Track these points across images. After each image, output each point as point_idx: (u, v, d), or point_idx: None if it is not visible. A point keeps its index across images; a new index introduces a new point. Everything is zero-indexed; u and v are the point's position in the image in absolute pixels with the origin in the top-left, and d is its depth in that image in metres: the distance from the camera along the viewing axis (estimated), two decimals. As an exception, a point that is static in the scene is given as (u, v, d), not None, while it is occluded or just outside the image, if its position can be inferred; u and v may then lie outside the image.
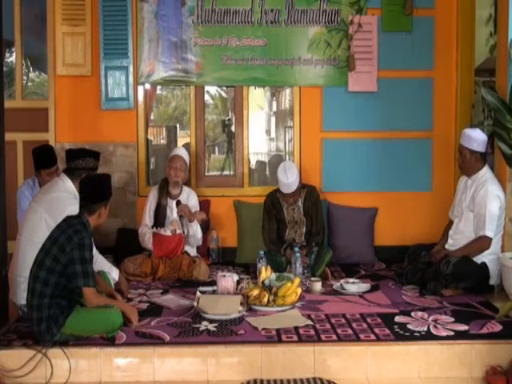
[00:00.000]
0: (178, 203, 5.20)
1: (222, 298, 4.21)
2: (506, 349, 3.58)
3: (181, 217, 5.18)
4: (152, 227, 5.21)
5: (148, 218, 5.30)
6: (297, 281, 4.33)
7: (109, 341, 3.61)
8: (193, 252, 5.33)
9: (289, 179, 5.05)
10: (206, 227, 5.35)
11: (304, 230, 5.29)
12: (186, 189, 5.41)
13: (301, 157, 5.95)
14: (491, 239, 4.48)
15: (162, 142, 9.96)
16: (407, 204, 5.91)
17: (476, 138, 4.59)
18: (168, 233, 5.11)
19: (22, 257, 4.04)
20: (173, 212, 5.25)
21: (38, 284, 3.54)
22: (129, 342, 3.62)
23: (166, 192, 5.29)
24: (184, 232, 5.17)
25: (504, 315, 3.95)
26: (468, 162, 4.65)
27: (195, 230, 5.21)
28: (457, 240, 4.69)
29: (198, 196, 5.54)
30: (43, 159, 4.91)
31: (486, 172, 4.62)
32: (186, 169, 5.35)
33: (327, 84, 5.87)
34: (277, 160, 7.82)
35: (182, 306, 4.27)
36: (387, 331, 3.76)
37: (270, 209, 5.31)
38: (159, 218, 5.24)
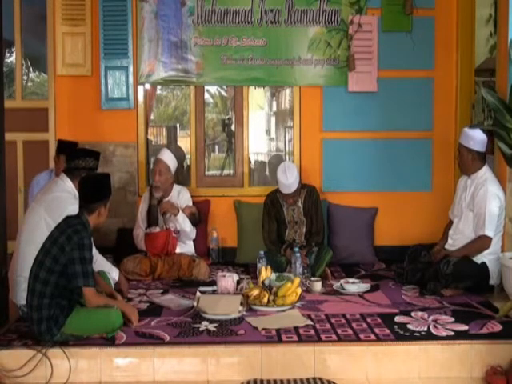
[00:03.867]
0: (159, 201, 5.22)
1: (222, 298, 4.21)
2: (506, 349, 3.58)
3: (164, 214, 5.19)
4: (146, 229, 5.23)
5: (141, 220, 5.34)
6: (297, 281, 4.33)
7: (109, 341, 3.61)
8: (191, 252, 5.33)
9: (288, 180, 5.05)
10: (195, 220, 5.34)
11: (304, 230, 5.29)
12: (176, 187, 5.42)
13: (301, 157, 5.95)
14: (491, 239, 4.48)
15: (161, 141, 9.96)
16: (407, 204, 5.91)
17: (473, 137, 4.60)
18: (157, 229, 5.16)
19: (21, 257, 4.03)
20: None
21: (38, 284, 3.54)
22: (129, 342, 3.63)
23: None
24: (172, 227, 5.17)
25: (504, 315, 3.95)
26: (465, 161, 4.66)
27: (182, 223, 5.17)
28: (457, 240, 4.69)
29: (197, 196, 5.54)
30: (67, 146, 4.86)
31: (485, 172, 4.62)
32: (169, 173, 5.29)
33: (327, 84, 5.87)
34: (277, 160, 7.81)
35: (182, 305, 4.27)
36: (387, 331, 3.77)
37: (270, 209, 5.31)
38: (151, 219, 5.27)
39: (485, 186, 4.53)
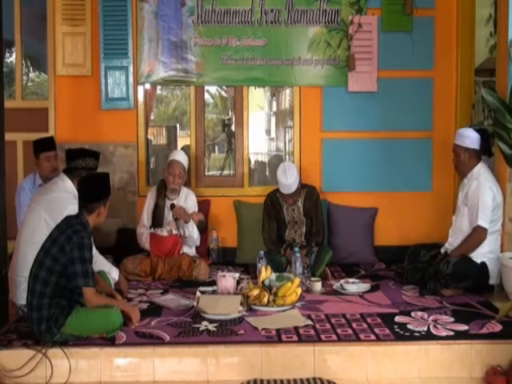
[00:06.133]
0: (172, 206, 5.19)
1: (222, 298, 4.21)
2: (506, 349, 3.58)
3: (176, 219, 5.17)
4: (150, 228, 5.21)
5: (146, 218, 5.32)
6: (297, 281, 4.33)
7: (109, 341, 3.61)
8: (192, 252, 5.33)
9: (288, 180, 5.04)
10: (202, 228, 5.35)
11: (304, 230, 5.29)
12: (184, 189, 5.41)
13: (301, 157, 5.95)
14: (486, 230, 4.47)
15: (162, 141, 9.97)
16: (407, 204, 5.91)
17: (468, 136, 4.64)
18: (164, 233, 5.13)
19: (21, 257, 4.03)
20: (170, 213, 5.25)
21: (38, 284, 3.54)
22: (129, 341, 3.62)
23: (163, 193, 5.29)
24: (180, 233, 5.17)
25: (504, 315, 3.94)
26: (462, 161, 4.68)
27: (191, 230, 5.19)
28: (456, 239, 4.68)
29: (197, 196, 5.55)
30: (43, 143, 4.95)
31: (480, 167, 4.64)
32: (185, 174, 5.34)
33: (327, 84, 5.87)
34: (277, 160, 7.81)
35: (182, 305, 4.27)
36: (387, 331, 3.76)
37: (270, 209, 5.31)
38: (157, 219, 5.25)
39: (478, 180, 4.56)
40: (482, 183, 4.52)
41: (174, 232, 5.14)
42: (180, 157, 5.36)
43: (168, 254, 5.12)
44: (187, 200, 5.35)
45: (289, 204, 5.23)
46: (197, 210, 5.38)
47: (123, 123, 5.87)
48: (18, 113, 5.86)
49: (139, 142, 5.93)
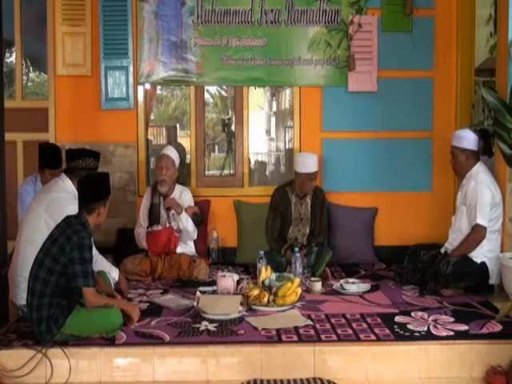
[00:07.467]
0: (165, 198, 5.25)
1: (222, 298, 4.21)
2: (506, 349, 3.58)
3: (168, 209, 5.21)
4: (148, 228, 5.23)
5: (142, 218, 5.35)
6: (297, 281, 4.33)
7: (109, 341, 3.61)
8: (192, 252, 5.34)
9: (309, 159, 5.18)
10: (197, 220, 5.36)
11: (308, 230, 5.29)
12: (178, 186, 5.44)
13: (301, 157, 5.94)
14: (485, 228, 4.47)
15: (162, 141, 9.97)
16: (407, 204, 5.91)
17: (466, 137, 4.65)
18: (159, 227, 5.17)
19: (21, 257, 4.03)
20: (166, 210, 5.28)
21: (38, 284, 3.54)
22: (129, 342, 3.62)
23: (158, 191, 5.31)
24: (174, 226, 5.18)
25: (504, 315, 3.94)
26: (460, 162, 4.68)
27: (185, 223, 5.20)
28: (456, 239, 4.68)
29: (197, 196, 5.55)
30: (49, 159, 4.87)
31: (478, 167, 4.64)
32: (174, 167, 5.35)
33: (327, 84, 5.87)
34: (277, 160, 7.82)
35: (181, 306, 4.27)
36: (387, 331, 3.76)
37: (278, 204, 5.29)
38: (154, 217, 5.27)
39: (476, 179, 4.56)
40: (479, 182, 4.53)
41: (168, 225, 5.16)
42: (168, 151, 5.41)
43: (164, 249, 5.13)
44: (182, 196, 5.37)
45: (300, 196, 5.24)
46: (192, 205, 5.40)
47: (123, 123, 5.87)
48: (17, 113, 5.86)
49: (139, 142, 5.94)
